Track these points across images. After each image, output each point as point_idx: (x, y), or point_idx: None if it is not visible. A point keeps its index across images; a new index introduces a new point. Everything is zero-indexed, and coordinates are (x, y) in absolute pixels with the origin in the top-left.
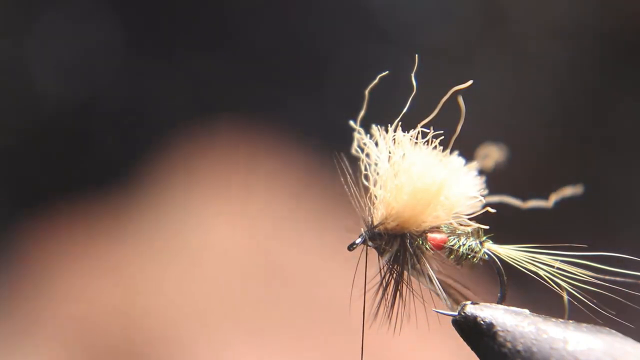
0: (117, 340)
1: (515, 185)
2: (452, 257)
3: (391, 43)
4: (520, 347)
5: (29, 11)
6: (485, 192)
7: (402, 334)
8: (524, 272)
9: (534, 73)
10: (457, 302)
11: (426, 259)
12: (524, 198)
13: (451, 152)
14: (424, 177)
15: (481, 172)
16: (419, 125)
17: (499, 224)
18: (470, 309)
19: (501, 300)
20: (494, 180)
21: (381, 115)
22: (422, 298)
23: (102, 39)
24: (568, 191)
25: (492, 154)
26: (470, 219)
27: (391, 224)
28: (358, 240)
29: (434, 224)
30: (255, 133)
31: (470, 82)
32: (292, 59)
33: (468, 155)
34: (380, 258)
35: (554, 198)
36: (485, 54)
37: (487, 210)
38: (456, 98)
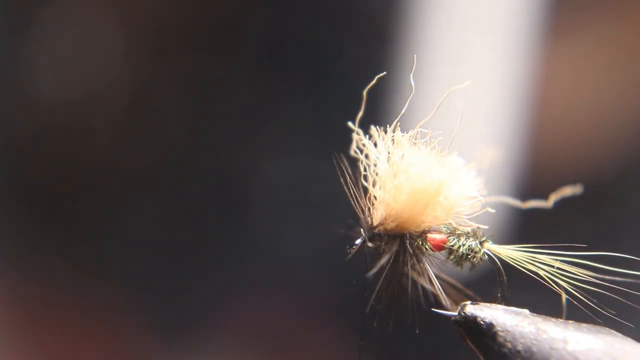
0: None
1: (516, 185)
2: (452, 257)
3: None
4: (520, 347)
5: (29, 11)
6: (485, 192)
7: None
8: (524, 272)
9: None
10: (457, 302)
11: (426, 259)
12: (524, 198)
13: (450, 152)
14: (422, 177)
15: (480, 172)
16: (418, 126)
17: (499, 224)
18: (470, 309)
19: (501, 301)
20: (494, 180)
21: (380, 116)
22: (422, 298)
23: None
24: (567, 191)
25: (491, 155)
26: (469, 219)
27: (390, 225)
28: (358, 241)
29: (434, 225)
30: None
31: (468, 83)
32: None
33: (468, 155)
34: (380, 259)
35: (553, 198)
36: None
37: (487, 210)
38: (454, 99)
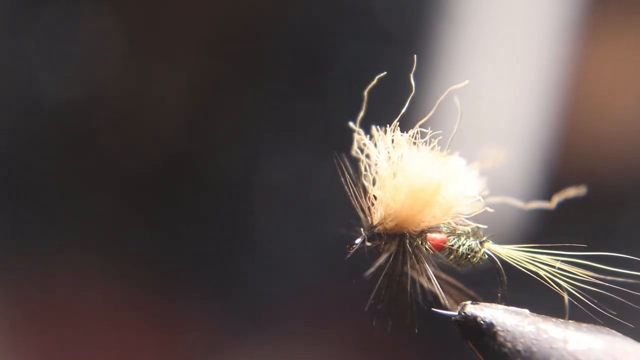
0: None
1: (517, 186)
2: (452, 257)
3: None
4: (520, 347)
5: (29, 11)
6: (487, 192)
7: None
8: (524, 272)
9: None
10: (457, 302)
11: (425, 259)
12: (526, 199)
13: (452, 152)
14: (421, 176)
15: (484, 172)
16: (417, 125)
17: (500, 224)
18: (471, 308)
19: (501, 300)
20: (496, 180)
21: (382, 115)
22: (422, 298)
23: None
24: (571, 192)
25: (495, 155)
26: (469, 219)
27: (390, 224)
28: (358, 241)
29: (433, 224)
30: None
31: (466, 82)
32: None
33: (471, 155)
34: (379, 258)
35: (556, 199)
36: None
37: (486, 210)
38: (453, 98)
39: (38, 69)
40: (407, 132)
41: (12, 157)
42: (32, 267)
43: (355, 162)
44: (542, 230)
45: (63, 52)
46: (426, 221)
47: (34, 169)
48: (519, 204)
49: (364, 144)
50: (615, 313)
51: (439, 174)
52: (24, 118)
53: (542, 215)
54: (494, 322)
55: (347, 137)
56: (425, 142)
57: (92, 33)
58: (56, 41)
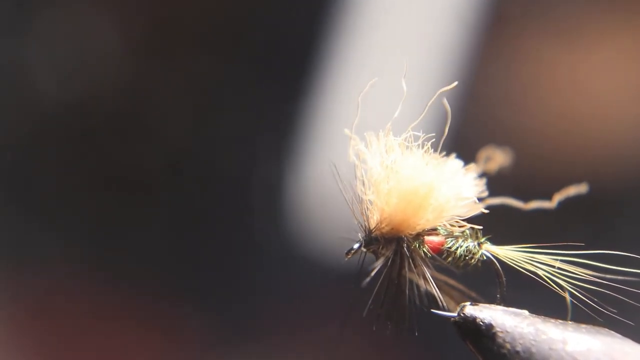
0: None
1: (517, 186)
2: (450, 259)
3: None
4: (519, 348)
5: (29, 11)
6: (486, 194)
7: None
8: (523, 272)
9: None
10: (456, 303)
11: (423, 261)
12: (526, 199)
13: (448, 154)
14: (412, 180)
15: (483, 174)
16: (409, 128)
17: (499, 224)
18: (470, 310)
19: (500, 301)
20: (496, 181)
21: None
22: (420, 300)
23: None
24: (572, 190)
25: (495, 157)
26: (466, 221)
27: (385, 228)
28: (356, 246)
29: (429, 227)
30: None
31: (455, 84)
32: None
33: (470, 157)
34: (377, 262)
35: (557, 198)
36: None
37: (482, 212)
38: (442, 100)
39: (38, 69)
40: (399, 136)
41: (11, 156)
42: (30, 267)
43: (351, 166)
44: (542, 231)
45: (63, 52)
46: (421, 224)
47: (33, 169)
48: (518, 204)
49: (359, 150)
50: (615, 311)
51: (430, 176)
52: (23, 118)
53: (542, 215)
54: (493, 323)
55: (344, 140)
56: (418, 145)
57: (92, 33)
58: (56, 41)
